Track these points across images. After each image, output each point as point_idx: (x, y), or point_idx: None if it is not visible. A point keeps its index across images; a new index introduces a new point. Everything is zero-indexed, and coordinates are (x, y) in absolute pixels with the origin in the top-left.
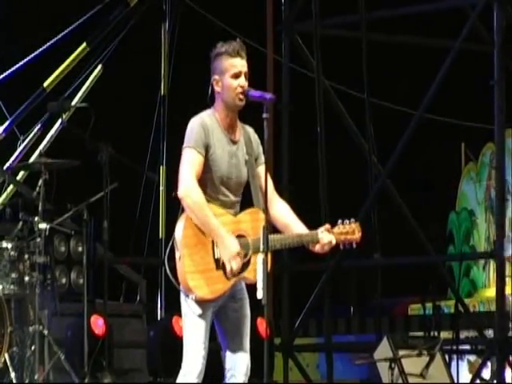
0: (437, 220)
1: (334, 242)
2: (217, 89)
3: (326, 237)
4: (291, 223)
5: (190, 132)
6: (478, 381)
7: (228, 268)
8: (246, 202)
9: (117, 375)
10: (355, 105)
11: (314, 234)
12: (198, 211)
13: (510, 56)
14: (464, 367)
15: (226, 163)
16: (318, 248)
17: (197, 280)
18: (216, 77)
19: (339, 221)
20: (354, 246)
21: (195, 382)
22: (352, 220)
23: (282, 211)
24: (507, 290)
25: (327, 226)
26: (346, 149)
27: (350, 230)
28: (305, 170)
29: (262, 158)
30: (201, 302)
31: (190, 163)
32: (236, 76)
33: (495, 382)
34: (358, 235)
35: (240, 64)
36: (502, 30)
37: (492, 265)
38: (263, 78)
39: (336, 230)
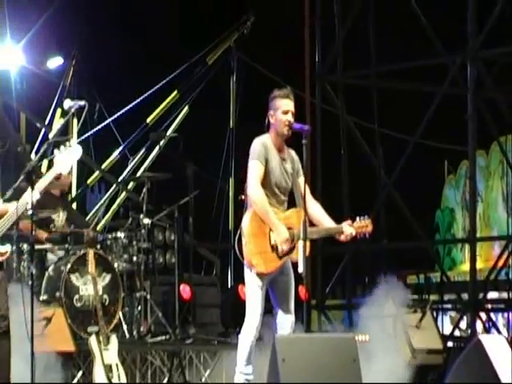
0: (427, 215)
1: (354, 233)
2: (271, 121)
3: (348, 229)
4: (323, 219)
5: (254, 149)
6: (457, 331)
7: (280, 249)
8: (291, 202)
9: (198, 327)
10: (369, 134)
11: (340, 227)
12: (261, 206)
13: (480, 98)
14: (447, 321)
15: (278, 173)
16: (342, 238)
17: (257, 259)
18: (271, 112)
19: (357, 217)
20: (368, 236)
21: (255, 332)
22: (366, 217)
23: (316, 210)
24: (478, 265)
25: (349, 221)
26: (361, 165)
27: (364, 224)
28: (332, 180)
29: (301, 172)
30: (259, 275)
31: (255, 171)
32: (285, 113)
33: (469, 330)
34: (370, 228)
35: (289, 104)
36: (474, 79)
37: (466, 247)
38: (303, 114)
39: (355, 224)
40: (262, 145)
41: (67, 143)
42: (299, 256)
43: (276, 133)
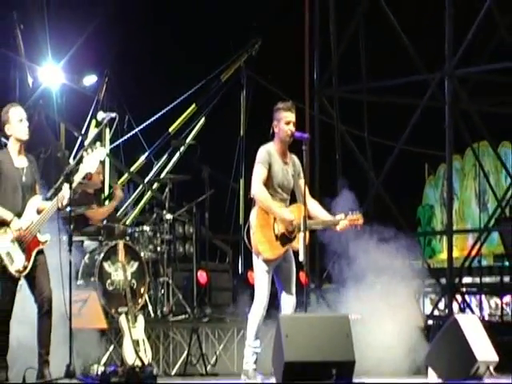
0: (410, 211)
1: (347, 225)
2: (275, 130)
3: (342, 222)
4: (320, 213)
5: (259, 155)
6: (436, 311)
7: (289, 229)
8: (293, 201)
9: (213, 307)
10: (360, 141)
11: (335, 220)
12: (264, 201)
13: (456, 110)
14: (427, 302)
15: (281, 175)
16: (337, 229)
17: (264, 247)
18: (275, 122)
19: (350, 212)
20: (359, 228)
21: (262, 311)
22: (357, 211)
23: (314, 206)
24: (454, 254)
25: (342, 215)
26: (353, 168)
27: (356, 218)
28: (329, 180)
29: (301, 174)
30: (266, 261)
31: (258, 173)
32: (287, 123)
33: (447, 310)
34: (361, 221)
35: (290, 116)
36: (451, 93)
37: (444, 238)
38: (303, 124)
39: (348, 217)
40: (266, 151)
41: (93, 146)
42: (300, 246)
43: (279, 140)
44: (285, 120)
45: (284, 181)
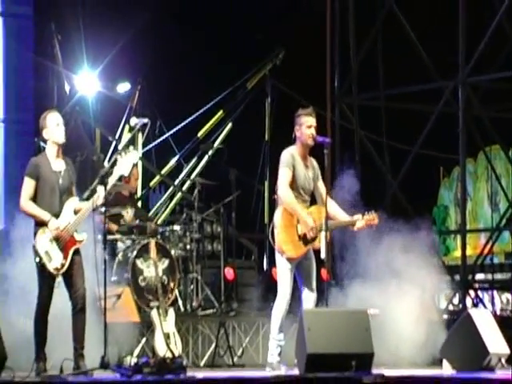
0: (426, 211)
1: (364, 225)
2: (297, 134)
3: (359, 222)
4: (338, 214)
5: (283, 158)
6: (450, 306)
7: (308, 236)
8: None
9: (240, 302)
10: (378, 145)
11: (352, 220)
12: (290, 203)
13: (469, 115)
14: (442, 297)
15: (303, 177)
16: (355, 228)
17: (287, 246)
18: (297, 127)
19: (366, 212)
20: (374, 228)
21: (285, 305)
22: (373, 211)
23: (333, 207)
24: (467, 252)
25: (359, 215)
26: (372, 171)
27: (372, 218)
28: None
29: (320, 177)
30: (289, 259)
31: (284, 176)
32: (309, 127)
33: (460, 305)
34: (377, 221)
35: (311, 120)
36: (464, 100)
37: (458, 237)
38: (324, 130)
39: (364, 217)
40: (290, 154)
41: (126, 150)
42: (321, 244)
43: (301, 144)
44: (306, 124)
45: (305, 183)
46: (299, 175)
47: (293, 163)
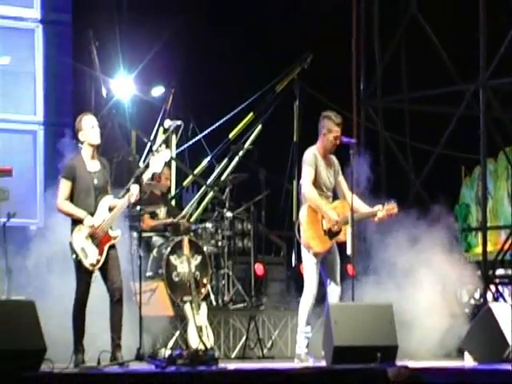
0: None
1: (385, 215)
2: (323, 136)
3: (379, 213)
4: (360, 206)
5: (306, 157)
6: (472, 300)
7: (333, 229)
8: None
9: (269, 297)
10: (402, 146)
11: (373, 211)
12: (313, 200)
13: (489, 117)
14: (464, 292)
15: (324, 175)
16: (376, 219)
17: (313, 241)
18: (324, 131)
19: (385, 202)
20: (394, 217)
21: (312, 299)
22: (392, 201)
23: (355, 201)
24: (488, 248)
25: (379, 206)
26: (396, 170)
27: (391, 207)
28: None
29: (340, 172)
30: (315, 254)
31: (308, 175)
32: (335, 138)
33: (482, 300)
34: (396, 209)
35: (339, 131)
36: (485, 103)
37: (479, 234)
38: (350, 131)
39: (384, 207)
40: (312, 154)
41: (159, 149)
42: (347, 240)
43: (324, 147)
44: (333, 134)
45: (327, 181)
46: (321, 174)
47: (315, 162)
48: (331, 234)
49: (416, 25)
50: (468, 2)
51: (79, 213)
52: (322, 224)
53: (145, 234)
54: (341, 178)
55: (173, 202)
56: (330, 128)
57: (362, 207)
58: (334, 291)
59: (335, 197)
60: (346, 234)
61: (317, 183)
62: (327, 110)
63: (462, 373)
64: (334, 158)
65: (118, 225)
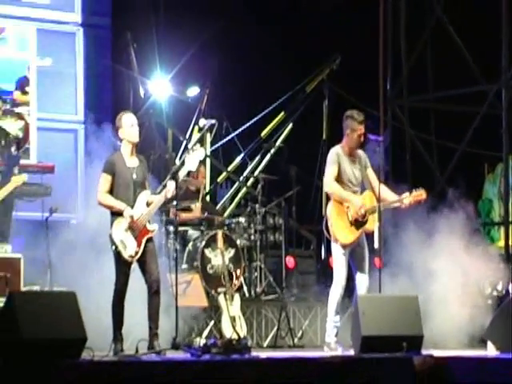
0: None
1: (412, 201)
2: (347, 136)
3: (407, 199)
4: (388, 195)
5: (329, 157)
6: (494, 291)
7: (359, 214)
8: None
9: (299, 288)
10: (427, 143)
11: (400, 199)
12: (336, 191)
13: (511, 116)
14: (487, 284)
15: (349, 171)
16: (403, 206)
17: (340, 233)
18: (348, 131)
19: (413, 189)
20: (423, 202)
21: (341, 290)
22: (420, 188)
23: (383, 190)
24: (510, 242)
25: (407, 193)
26: (421, 167)
27: (420, 193)
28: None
29: (368, 165)
30: (342, 246)
31: (329, 172)
32: (360, 136)
33: (504, 291)
34: (424, 195)
35: (363, 128)
36: (507, 102)
37: (502, 228)
38: (378, 129)
39: (412, 194)
40: (335, 153)
41: (194, 147)
42: (375, 234)
43: (349, 145)
44: (359, 132)
45: (352, 177)
46: (346, 170)
47: (338, 161)
48: (358, 224)
49: (441, 26)
50: (491, 4)
51: (119, 205)
52: (348, 215)
53: (180, 228)
54: (369, 171)
55: (207, 198)
56: (354, 127)
57: (390, 195)
58: (362, 282)
59: (364, 190)
60: (374, 225)
61: (341, 179)
62: (350, 110)
63: (485, 361)
64: (360, 153)
65: (155, 219)
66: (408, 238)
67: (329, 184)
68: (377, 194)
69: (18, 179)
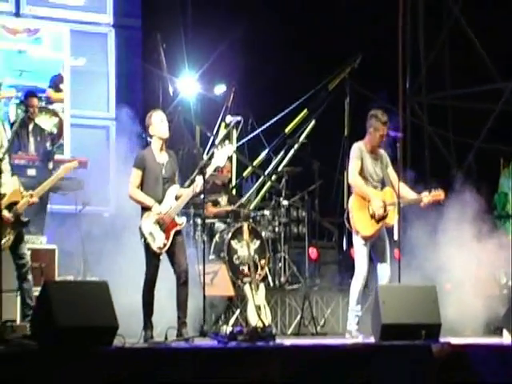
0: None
1: (431, 200)
2: (370, 134)
3: (426, 198)
4: (407, 193)
5: (353, 151)
6: (509, 281)
7: (378, 213)
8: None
9: (322, 278)
10: (444, 139)
11: (420, 198)
12: (360, 187)
13: None
14: (502, 274)
15: (371, 168)
16: (422, 205)
17: (361, 226)
18: (371, 129)
19: (432, 189)
20: (441, 203)
21: (362, 280)
22: (439, 188)
23: (403, 188)
24: None
25: (426, 192)
26: (439, 161)
27: (438, 193)
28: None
29: (389, 164)
30: (364, 238)
31: (353, 166)
32: (382, 136)
33: None
34: (443, 196)
35: (385, 127)
36: None
37: None
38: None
39: (431, 193)
40: (358, 148)
41: (222, 144)
42: (394, 227)
43: (371, 143)
44: (381, 132)
45: (373, 173)
46: (367, 166)
47: (360, 155)
48: (378, 217)
49: (458, 26)
50: (507, 4)
51: (148, 201)
52: (369, 209)
53: (208, 221)
54: (390, 170)
55: (233, 192)
56: (377, 127)
57: (410, 194)
58: (383, 272)
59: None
60: (394, 219)
61: (363, 174)
62: (375, 109)
63: (501, 349)
64: (382, 152)
65: (184, 212)
66: (424, 229)
67: (353, 177)
68: (396, 191)
69: (69, 165)
